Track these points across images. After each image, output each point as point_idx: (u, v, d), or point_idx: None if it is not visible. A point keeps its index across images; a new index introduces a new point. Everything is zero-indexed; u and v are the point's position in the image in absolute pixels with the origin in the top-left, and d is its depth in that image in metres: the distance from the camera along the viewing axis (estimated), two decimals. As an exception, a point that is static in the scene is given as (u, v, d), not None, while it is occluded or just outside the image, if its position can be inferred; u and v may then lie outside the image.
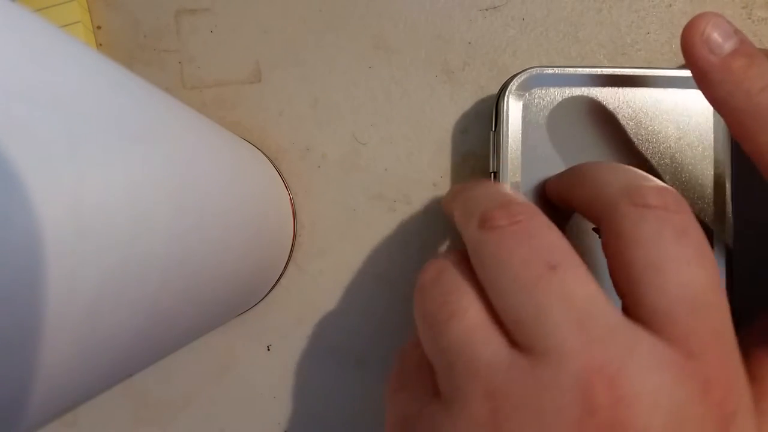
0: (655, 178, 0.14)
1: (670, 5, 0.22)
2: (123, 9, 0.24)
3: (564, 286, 0.12)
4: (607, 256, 0.14)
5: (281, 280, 0.24)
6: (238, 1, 0.23)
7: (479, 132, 0.23)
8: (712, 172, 0.19)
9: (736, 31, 0.15)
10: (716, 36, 0.15)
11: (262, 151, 0.23)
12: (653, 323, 0.12)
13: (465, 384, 0.12)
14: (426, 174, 0.23)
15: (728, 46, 0.15)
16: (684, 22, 0.21)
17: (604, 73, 0.19)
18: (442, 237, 0.23)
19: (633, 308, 0.13)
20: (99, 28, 0.24)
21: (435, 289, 0.14)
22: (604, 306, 0.12)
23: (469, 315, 0.13)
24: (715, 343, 0.12)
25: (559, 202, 0.18)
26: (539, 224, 0.14)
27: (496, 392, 0.12)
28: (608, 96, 0.20)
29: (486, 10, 0.23)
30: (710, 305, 0.12)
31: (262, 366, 0.24)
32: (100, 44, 0.24)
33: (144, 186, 0.11)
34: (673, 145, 0.19)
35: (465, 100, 0.23)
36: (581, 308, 0.12)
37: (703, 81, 0.15)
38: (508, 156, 0.19)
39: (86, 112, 0.10)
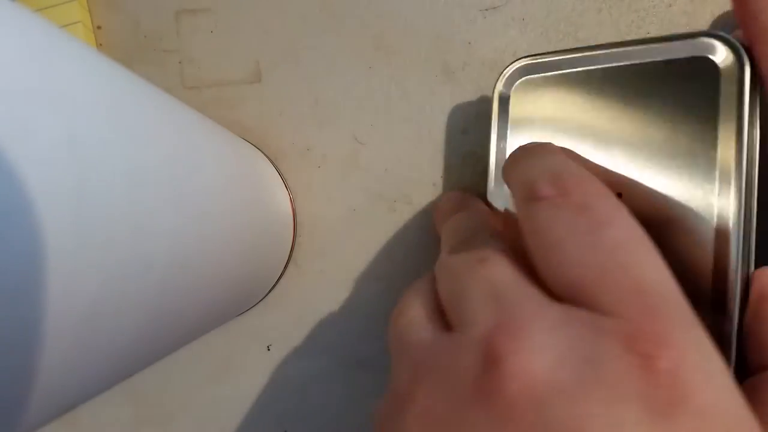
0: (564, 164, 0.14)
1: (670, 5, 0.22)
2: (123, 9, 0.24)
3: (488, 273, 0.13)
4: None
5: (281, 280, 0.24)
6: (238, 1, 0.23)
7: (479, 132, 0.23)
8: (718, 155, 0.18)
9: None
10: None
11: (262, 151, 0.23)
12: (567, 297, 0.12)
13: (397, 364, 0.14)
14: (426, 174, 0.23)
15: None
16: (684, 22, 0.21)
17: (591, 54, 0.19)
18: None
19: (552, 291, 0.12)
20: (99, 28, 0.24)
21: (399, 303, 0.16)
22: (525, 286, 0.13)
23: (411, 311, 0.15)
24: (636, 299, 0.11)
25: None
26: (485, 238, 0.16)
27: (416, 364, 0.13)
28: (599, 76, 0.19)
29: (486, 10, 0.23)
30: (625, 264, 0.11)
31: (262, 366, 0.24)
32: (101, 44, 0.24)
33: (144, 186, 0.11)
34: (669, 120, 0.18)
35: (465, 100, 0.23)
36: (499, 287, 0.13)
37: None
38: (497, 148, 0.20)
39: (86, 112, 0.10)
